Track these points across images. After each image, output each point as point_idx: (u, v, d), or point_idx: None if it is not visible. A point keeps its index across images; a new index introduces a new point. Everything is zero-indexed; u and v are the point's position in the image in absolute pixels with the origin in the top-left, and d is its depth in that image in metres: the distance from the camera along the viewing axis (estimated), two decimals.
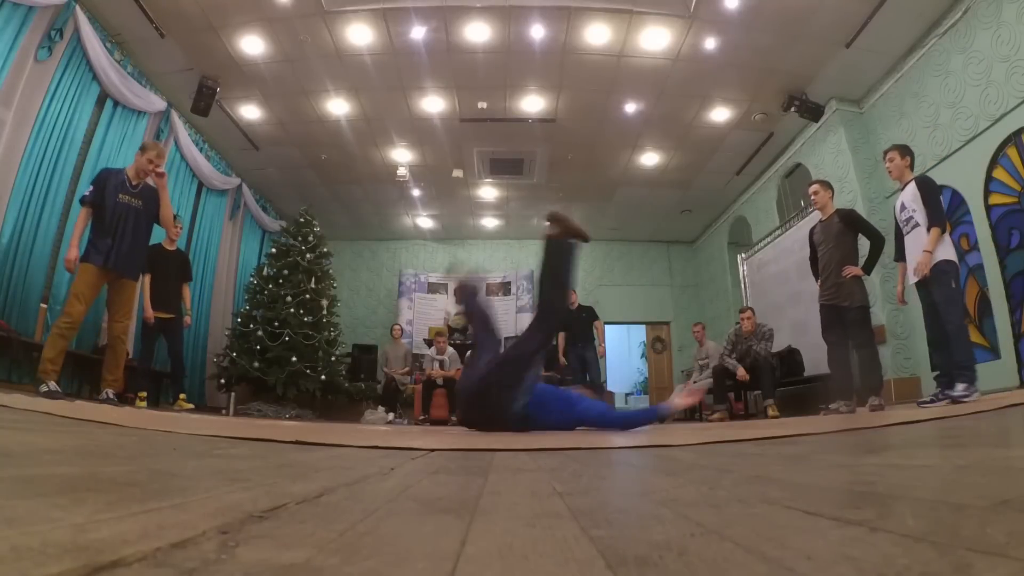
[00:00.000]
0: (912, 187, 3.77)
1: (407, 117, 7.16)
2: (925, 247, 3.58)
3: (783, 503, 0.57)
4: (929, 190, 3.68)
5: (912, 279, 3.76)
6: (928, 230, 3.60)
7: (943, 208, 3.67)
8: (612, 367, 11.29)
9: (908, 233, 3.82)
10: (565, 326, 7.02)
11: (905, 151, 3.92)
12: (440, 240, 11.21)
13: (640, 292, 11.10)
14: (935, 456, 1.10)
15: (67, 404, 2.95)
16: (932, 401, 3.55)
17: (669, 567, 0.35)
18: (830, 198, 4.44)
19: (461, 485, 0.79)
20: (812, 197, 4.51)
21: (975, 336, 4.81)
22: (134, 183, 3.97)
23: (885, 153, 4.02)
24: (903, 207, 3.85)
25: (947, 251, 3.60)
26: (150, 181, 4.06)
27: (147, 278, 5.06)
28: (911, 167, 3.92)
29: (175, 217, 5.51)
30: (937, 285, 3.57)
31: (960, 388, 3.34)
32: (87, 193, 3.82)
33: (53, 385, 3.50)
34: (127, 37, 5.64)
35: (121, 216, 3.85)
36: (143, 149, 4.02)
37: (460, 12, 5.54)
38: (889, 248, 4.14)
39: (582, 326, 6.92)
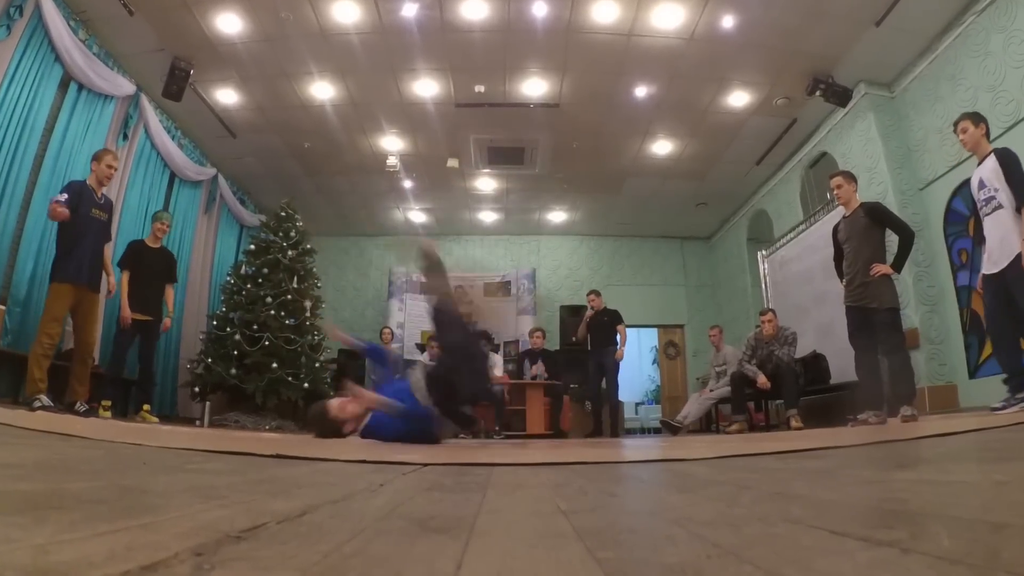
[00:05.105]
0: (992, 161, 3.60)
1: (398, 102, 7.16)
2: None
3: (807, 522, 0.57)
4: (1012, 164, 3.51)
5: (987, 269, 3.62)
6: (1019, 211, 3.40)
7: None
8: (621, 374, 11.21)
9: (988, 215, 3.64)
10: (588, 329, 7.07)
11: (978, 119, 3.77)
12: (434, 236, 11.21)
13: (652, 292, 11.09)
14: (973, 471, 1.11)
15: (28, 415, 2.95)
16: (1005, 406, 3.46)
17: None
18: (854, 191, 4.40)
19: (457, 502, 0.79)
20: (835, 191, 4.49)
21: None
22: (99, 196, 4.37)
23: (956, 124, 3.87)
24: (982, 184, 3.67)
25: None
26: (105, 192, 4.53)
27: (125, 276, 5.05)
28: (987, 135, 3.75)
29: (163, 212, 5.68)
30: (1021, 281, 3.36)
31: None
32: (63, 200, 4.04)
33: (46, 400, 3.88)
34: (93, 15, 5.63)
35: (89, 230, 4.20)
36: (98, 158, 4.39)
37: None
38: (922, 244, 4.10)
39: (604, 330, 6.98)
